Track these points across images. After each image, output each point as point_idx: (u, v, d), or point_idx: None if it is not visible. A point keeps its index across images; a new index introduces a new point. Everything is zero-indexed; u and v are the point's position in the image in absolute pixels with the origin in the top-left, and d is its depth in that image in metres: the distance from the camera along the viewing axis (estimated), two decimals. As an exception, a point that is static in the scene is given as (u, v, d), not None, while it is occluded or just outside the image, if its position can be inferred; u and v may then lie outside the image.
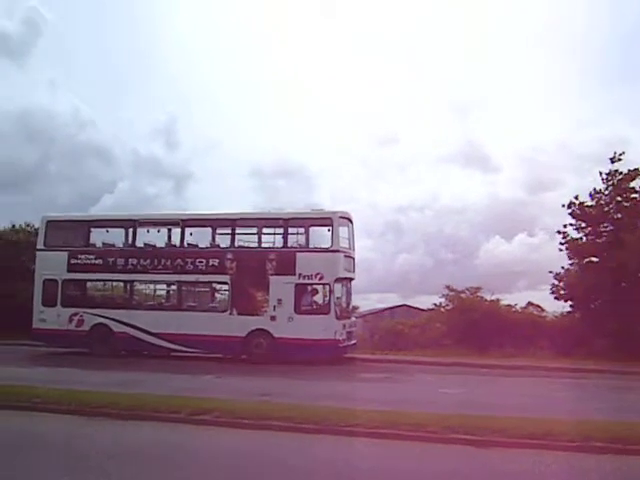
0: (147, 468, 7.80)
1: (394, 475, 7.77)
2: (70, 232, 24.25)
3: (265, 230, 22.36)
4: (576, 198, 25.21)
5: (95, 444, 9.01)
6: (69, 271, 23.10)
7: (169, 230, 23.51)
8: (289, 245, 21.59)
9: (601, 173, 24.86)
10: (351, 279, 22.75)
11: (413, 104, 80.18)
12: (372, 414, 10.57)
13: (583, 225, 25.24)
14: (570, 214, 25.31)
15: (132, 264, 22.72)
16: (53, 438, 9.56)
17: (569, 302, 25.31)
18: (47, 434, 9.92)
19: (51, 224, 23.99)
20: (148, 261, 22.60)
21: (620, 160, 24.57)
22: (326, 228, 21.37)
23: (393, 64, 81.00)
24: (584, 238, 25.28)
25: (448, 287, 26.90)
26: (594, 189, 24.96)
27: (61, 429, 10.22)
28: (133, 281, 23.07)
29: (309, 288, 21.29)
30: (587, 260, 25.00)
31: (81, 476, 7.18)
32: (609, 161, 24.81)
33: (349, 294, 22.87)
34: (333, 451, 8.95)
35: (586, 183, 25.99)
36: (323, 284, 21.01)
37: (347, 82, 79.20)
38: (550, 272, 25.48)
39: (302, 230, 21.80)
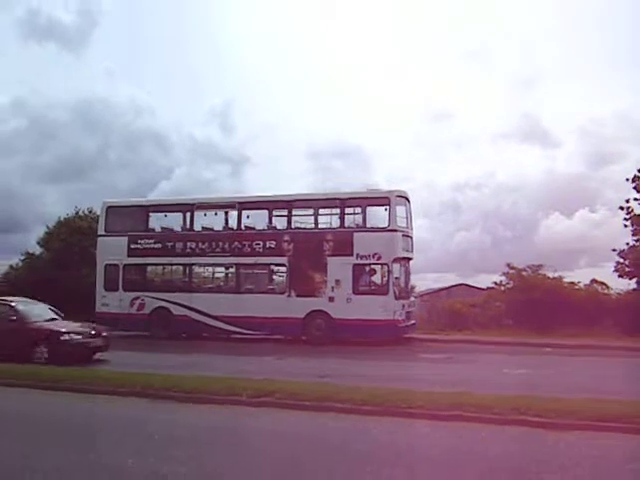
0: (211, 450, 7.75)
1: (462, 459, 7.52)
2: (129, 217, 24.62)
3: (322, 211, 22.23)
4: (639, 171, 24.34)
5: (160, 426, 9.02)
6: (129, 256, 23.51)
7: (226, 213, 23.64)
8: (346, 225, 21.47)
9: (668, 143, 23.94)
10: (409, 259, 22.50)
11: (468, 79, 78.39)
12: (434, 395, 10.35)
13: (648, 199, 24.39)
14: (635, 188, 24.46)
15: (190, 248, 22.96)
16: (118, 420, 9.63)
17: (634, 279, 24.54)
18: (112, 416, 10.02)
19: (111, 210, 24.40)
20: (206, 244, 22.80)
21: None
22: (383, 208, 21.17)
23: (447, 39, 79.19)
24: (650, 212, 24.43)
25: (509, 265, 26.31)
26: (661, 161, 24.08)
27: (126, 412, 10.30)
28: (192, 264, 23.29)
29: (367, 268, 21.14)
30: (654, 235, 24.18)
31: (145, 458, 7.19)
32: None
33: (407, 274, 22.65)
34: (395, 433, 8.75)
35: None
36: (381, 264, 20.84)
37: (402, 59, 77.96)
38: (614, 250, 24.75)
39: (359, 210, 21.61)
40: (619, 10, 70.83)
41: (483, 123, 76.53)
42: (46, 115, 64.72)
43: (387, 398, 10.11)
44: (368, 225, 21.40)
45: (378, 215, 21.67)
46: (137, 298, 23.07)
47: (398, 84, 77.97)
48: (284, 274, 22.22)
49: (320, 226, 22.10)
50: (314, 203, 22.46)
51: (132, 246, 23.52)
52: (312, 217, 22.29)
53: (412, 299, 22.94)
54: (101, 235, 24.37)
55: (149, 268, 24.37)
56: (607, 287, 25.93)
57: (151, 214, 24.17)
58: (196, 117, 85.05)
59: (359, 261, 20.80)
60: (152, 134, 68.94)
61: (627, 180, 24.49)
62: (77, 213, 32.92)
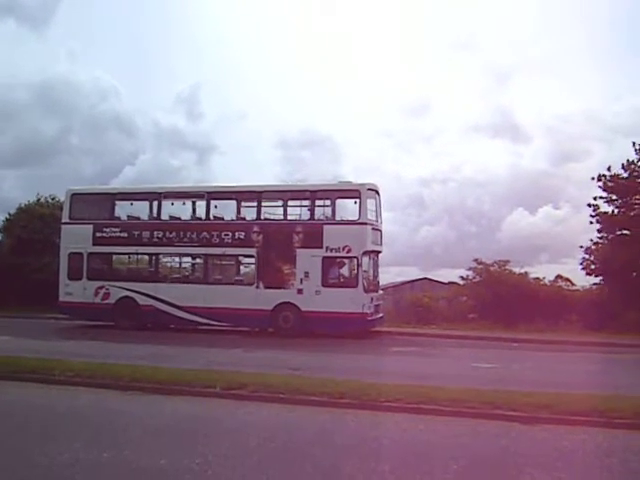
0: (184, 443, 7.60)
1: (441, 452, 7.50)
2: (95, 205, 24.11)
3: (291, 202, 22.00)
4: (608, 169, 24.66)
5: (132, 419, 8.85)
6: (94, 244, 23.00)
7: (194, 203, 23.33)
8: (316, 217, 21.32)
9: (634, 144, 24.29)
10: (378, 252, 22.51)
11: (445, 72, 78.24)
12: (409, 388, 10.35)
13: (614, 197, 24.69)
14: (601, 186, 24.77)
15: (157, 237, 22.59)
16: (90, 412, 9.42)
17: (599, 276, 24.93)
18: (83, 408, 9.78)
19: (76, 197, 23.88)
20: (173, 234, 22.45)
21: (655, 130, 23.97)
22: (353, 200, 21.06)
23: (425, 30, 78.55)
24: (615, 211, 24.76)
25: (476, 260, 26.55)
26: (627, 160, 24.41)
27: (97, 403, 10.07)
28: (159, 254, 22.97)
29: (336, 261, 21.05)
30: (619, 233, 24.52)
31: (120, 451, 7.00)
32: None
33: (376, 267, 22.64)
34: (373, 427, 8.72)
35: (614, 155, 25.58)
36: (350, 257, 20.76)
37: (377, 49, 77.40)
38: (581, 247, 25.14)
39: (329, 202, 21.48)
40: (596, 10, 71.43)
41: (457, 116, 76.65)
42: (4, 95, 62.80)
43: (364, 391, 10.09)
44: (338, 217, 21.32)
45: (348, 208, 21.65)
46: (102, 287, 22.61)
47: (373, 74, 77.26)
48: (253, 265, 22.04)
49: (289, 218, 21.89)
50: (284, 194, 22.25)
51: (97, 234, 23.01)
52: (281, 208, 22.08)
53: (380, 292, 22.92)
54: (65, 223, 23.80)
55: (114, 257, 23.95)
56: (572, 283, 26.35)
57: (117, 202, 23.64)
58: (163, 102, 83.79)
59: (328, 253, 20.69)
60: (116, 118, 67.19)
61: (593, 179, 24.76)
62: (39, 200, 32.31)
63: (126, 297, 22.35)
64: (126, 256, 24.33)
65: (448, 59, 75.49)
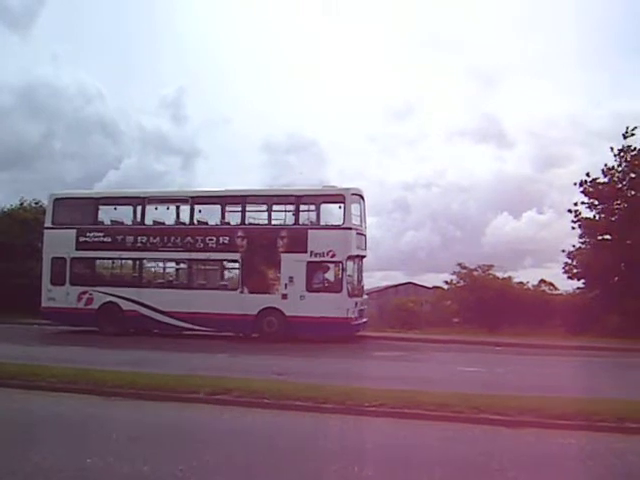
0: (168, 450, 7.59)
1: (426, 457, 7.53)
2: (78, 210, 23.94)
3: (276, 207, 21.97)
4: (587, 175, 24.91)
5: (115, 425, 8.80)
6: (77, 249, 22.82)
7: (178, 207, 23.24)
8: (300, 222, 21.33)
9: (612, 149, 24.56)
10: (363, 256, 22.54)
11: (430, 77, 78.48)
12: (394, 393, 10.38)
13: (596, 203, 24.93)
14: (582, 192, 25.00)
15: (141, 242, 22.48)
16: (72, 419, 9.37)
17: (582, 280, 25.13)
18: (65, 414, 9.69)
19: (59, 202, 23.68)
20: (157, 239, 22.36)
21: (633, 135, 24.20)
22: (338, 205, 21.14)
23: (411, 34, 78.51)
24: (597, 216, 25.00)
25: (460, 265, 26.71)
26: (606, 165, 24.66)
27: (79, 409, 10.02)
28: (142, 259, 22.84)
29: (321, 266, 21.03)
30: (600, 238, 24.74)
31: (104, 458, 6.95)
32: (622, 137, 24.45)
33: (361, 272, 22.63)
34: (359, 432, 8.76)
35: (597, 160, 25.81)
36: (335, 262, 20.77)
37: (364, 53, 77.62)
38: (563, 251, 25.33)
39: (313, 207, 21.54)
40: (582, 14, 71.97)
41: (441, 120, 77.01)
42: (-14, 98, 62.27)
43: (348, 396, 10.08)
44: (322, 222, 21.37)
45: (333, 212, 21.69)
46: (85, 292, 22.44)
47: (358, 78, 77.63)
48: (237, 270, 21.97)
49: (274, 222, 21.84)
50: (268, 199, 22.23)
51: (80, 239, 22.85)
52: (266, 213, 22.04)
53: (365, 297, 22.93)
54: (48, 228, 23.58)
55: (98, 262, 23.74)
56: (554, 287, 26.58)
57: (101, 207, 23.53)
58: (147, 106, 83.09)
59: (313, 258, 20.69)
60: (100, 122, 66.73)
61: (575, 184, 24.96)
62: (22, 204, 32.09)
63: (110, 302, 22.19)
64: (110, 261, 24.13)
65: (433, 62, 75.97)
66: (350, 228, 20.81)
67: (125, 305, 22.07)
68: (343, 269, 20.61)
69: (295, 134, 72.90)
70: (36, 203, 31.49)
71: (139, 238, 22.55)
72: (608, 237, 24.67)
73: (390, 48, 77.78)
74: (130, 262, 23.25)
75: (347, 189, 21.36)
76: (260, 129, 78.10)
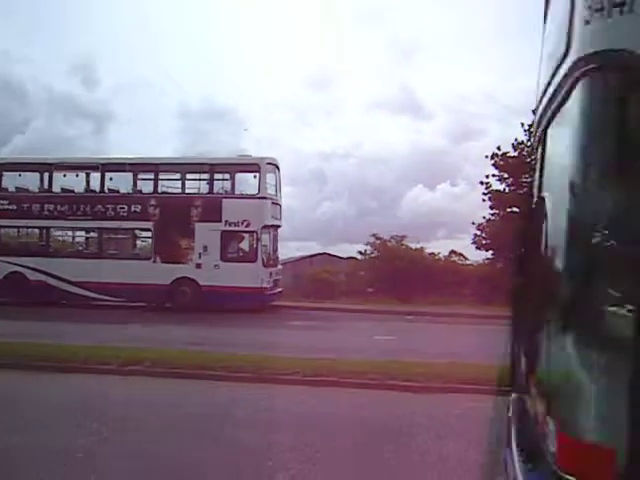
0: (79, 422, 7.39)
1: (338, 422, 7.64)
2: (-20, 176, 22.89)
3: (190, 176, 21.70)
4: (498, 149, 25.56)
5: (24, 397, 8.51)
6: (-20, 217, 21.89)
7: (88, 175, 22.58)
8: (215, 191, 21.13)
9: (523, 124, 25.23)
10: (277, 226, 22.54)
11: (348, 48, 78.20)
12: (309, 362, 10.51)
13: (505, 176, 25.64)
14: (493, 165, 25.66)
15: (48, 210, 21.75)
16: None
17: (490, 251, 25.87)
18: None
19: (-40, 168, 22.58)
20: (66, 207, 21.67)
21: (542, 110, 24.82)
22: (253, 175, 20.98)
23: (328, 7, 78.10)
24: (506, 189, 25.72)
25: (374, 235, 26.99)
26: (516, 140, 25.36)
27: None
28: (49, 227, 22.10)
29: (235, 235, 20.97)
30: (509, 210, 25.47)
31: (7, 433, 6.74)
32: (531, 112, 25.08)
33: (275, 242, 22.67)
34: (271, 400, 8.76)
35: (510, 134, 26.41)
36: (250, 231, 20.69)
37: (280, 24, 76.49)
38: (473, 223, 25.94)
39: (228, 176, 21.36)
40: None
41: (360, 91, 76.95)
42: None
43: (262, 365, 10.11)
44: (237, 192, 21.20)
45: (247, 182, 21.52)
46: (-12, 262, 21.58)
47: (275, 46, 76.35)
48: (149, 239, 21.63)
49: (188, 191, 21.55)
50: (182, 167, 21.88)
51: (-17, 207, 21.93)
52: (180, 182, 21.68)
53: (279, 267, 22.95)
54: (-52, 195, 22.50)
55: (2, 230, 22.82)
56: (465, 258, 27.27)
57: (4, 173, 22.61)
58: (57, 68, 79.60)
59: (227, 228, 20.53)
60: (5, 83, 63.76)
61: (486, 157, 25.59)
62: None
63: (15, 272, 21.42)
64: (15, 230, 23.31)
65: (352, 33, 75.80)
66: (265, 198, 20.73)
67: (32, 275, 21.35)
68: (258, 239, 20.53)
69: (212, 101, 71.30)
70: None
71: (46, 206, 21.80)
72: (516, 209, 25.38)
73: (309, 18, 77.10)
74: (37, 231, 22.59)
75: (262, 158, 21.22)
76: (176, 95, 76.00)
